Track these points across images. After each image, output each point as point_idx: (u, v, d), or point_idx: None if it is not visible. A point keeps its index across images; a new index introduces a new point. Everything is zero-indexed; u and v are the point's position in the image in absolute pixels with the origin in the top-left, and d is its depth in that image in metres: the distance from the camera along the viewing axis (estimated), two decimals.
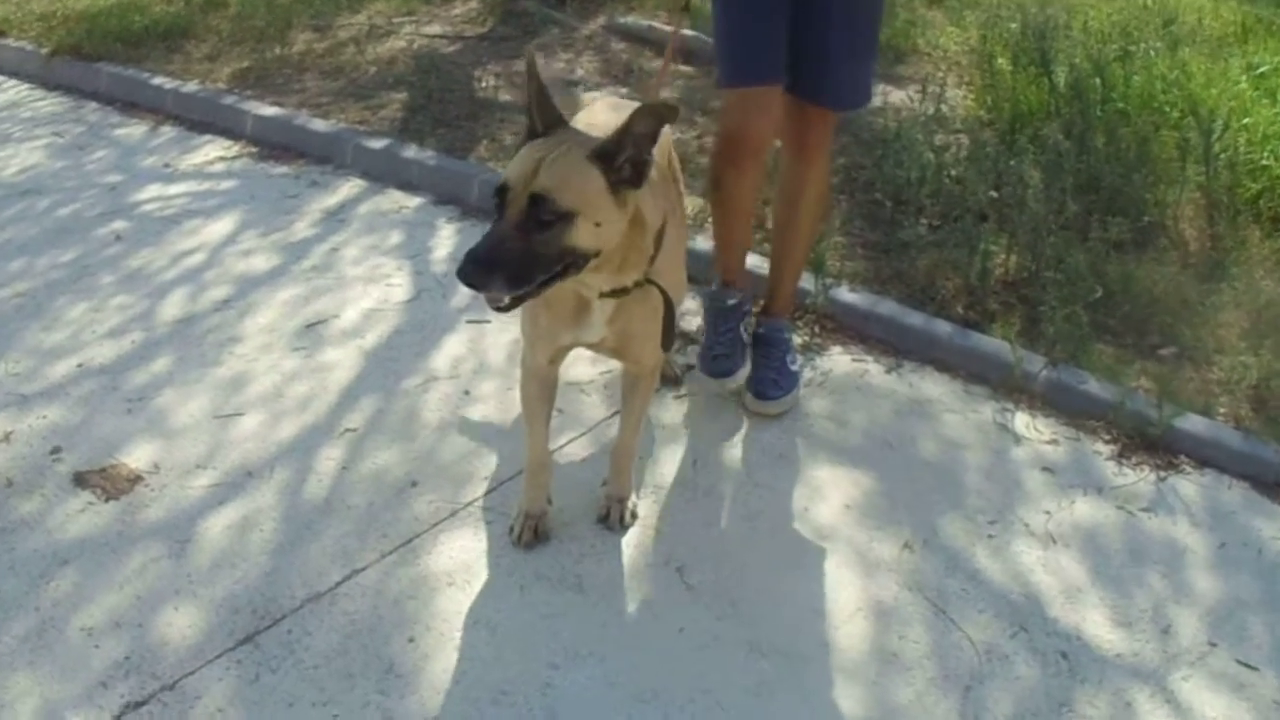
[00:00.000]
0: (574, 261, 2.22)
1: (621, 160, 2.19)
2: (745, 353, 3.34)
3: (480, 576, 2.73)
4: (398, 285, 3.90)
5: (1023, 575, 2.90)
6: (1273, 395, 3.66)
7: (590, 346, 2.69)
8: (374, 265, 4.03)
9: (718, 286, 3.42)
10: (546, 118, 2.32)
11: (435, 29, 5.83)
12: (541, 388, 2.76)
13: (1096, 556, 2.99)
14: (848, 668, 2.59)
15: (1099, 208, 4.36)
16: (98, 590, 2.65)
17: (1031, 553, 2.98)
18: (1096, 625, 2.77)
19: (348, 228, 4.25)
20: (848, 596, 2.79)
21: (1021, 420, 3.46)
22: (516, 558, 2.79)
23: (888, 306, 3.82)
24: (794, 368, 3.44)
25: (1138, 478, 3.31)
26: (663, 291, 2.50)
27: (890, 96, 5.38)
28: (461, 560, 2.78)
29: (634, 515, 2.94)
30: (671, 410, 3.37)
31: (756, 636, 2.64)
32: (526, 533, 2.82)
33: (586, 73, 5.39)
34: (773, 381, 3.37)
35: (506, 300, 2.21)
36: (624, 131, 2.17)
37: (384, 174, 4.57)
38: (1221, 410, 3.52)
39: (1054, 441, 3.41)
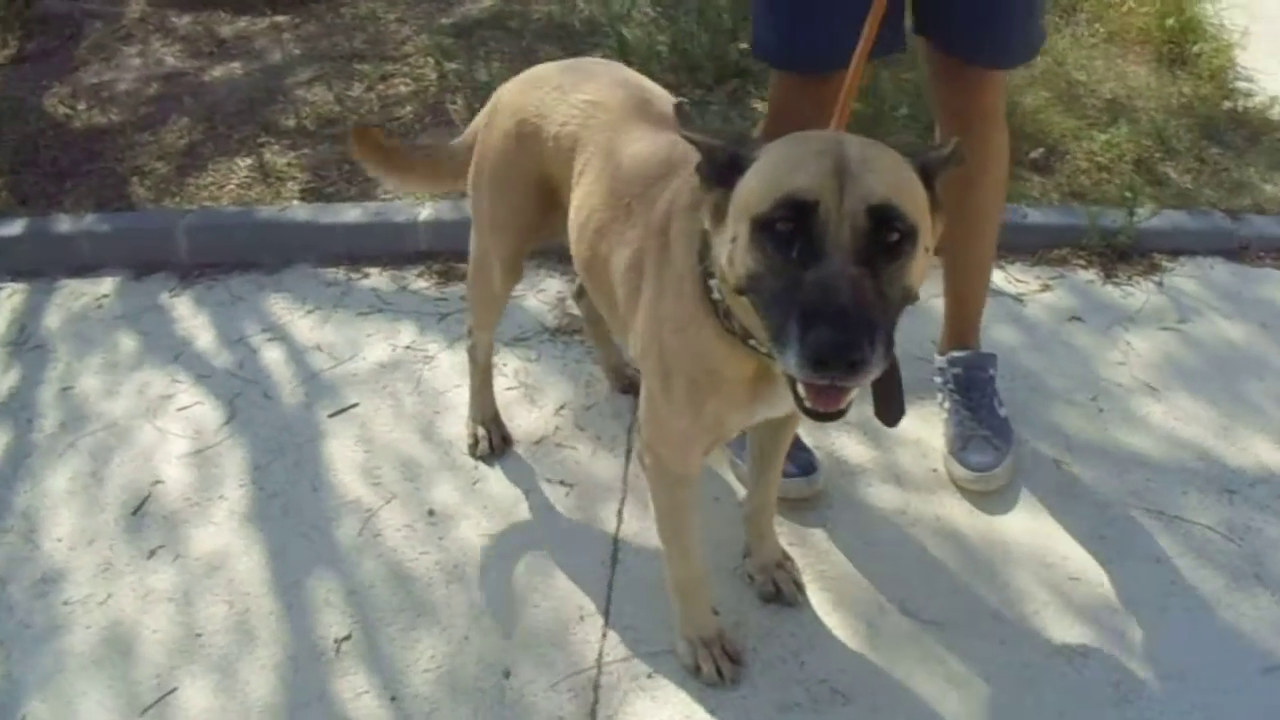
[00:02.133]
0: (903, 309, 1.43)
1: (937, 177, 1.51)
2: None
3: None
4: (195, 404, 2.64)
5: (1173, 436, 2.60)
6: (1156, 163, 3.54)
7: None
8: (136, 391, 2.70)
9: None
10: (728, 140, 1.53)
11: None
12: (692, 493, 1.92)
13: (1197, 386, 2.76)
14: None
15: None
16: None
17: (1154, 409, 2.67)
18: (1270, 450, 2.55)
19: (54, 354, 2.82)
20: (1128, 569, 2.25)
21: (999, 277, 3.02)
22: (727, 700, 1.96)
23: None
24: (1003, 413, 2.53)
25: (1144, 293, 3.09)
26: None
27: None
28: None
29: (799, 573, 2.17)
30: None
31: (1113, 670, 2.03)
32: (724, 663, 1.99)
33: (177, 61, 4.07)
34: (985, 441, 2.44)
35: (856, 392, 1.40)
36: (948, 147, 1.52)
37: (42, 264, 3.09)
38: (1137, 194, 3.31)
39: (1046, 287, 3.07)
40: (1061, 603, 2.15)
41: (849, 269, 1.32)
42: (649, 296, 1.70)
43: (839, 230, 1.33)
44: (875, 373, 1.32)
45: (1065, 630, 2.09)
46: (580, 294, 2.63)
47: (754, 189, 1.40)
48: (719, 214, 1.46)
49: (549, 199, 2.05)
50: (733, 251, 1.42)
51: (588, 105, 1.95)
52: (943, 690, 1.97)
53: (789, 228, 1.34)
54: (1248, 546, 2.30)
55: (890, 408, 1.68)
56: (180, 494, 2.36)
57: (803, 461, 2.37)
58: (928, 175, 1.47)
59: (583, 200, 1.89)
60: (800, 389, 1.39)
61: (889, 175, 1.39)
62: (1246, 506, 2.40)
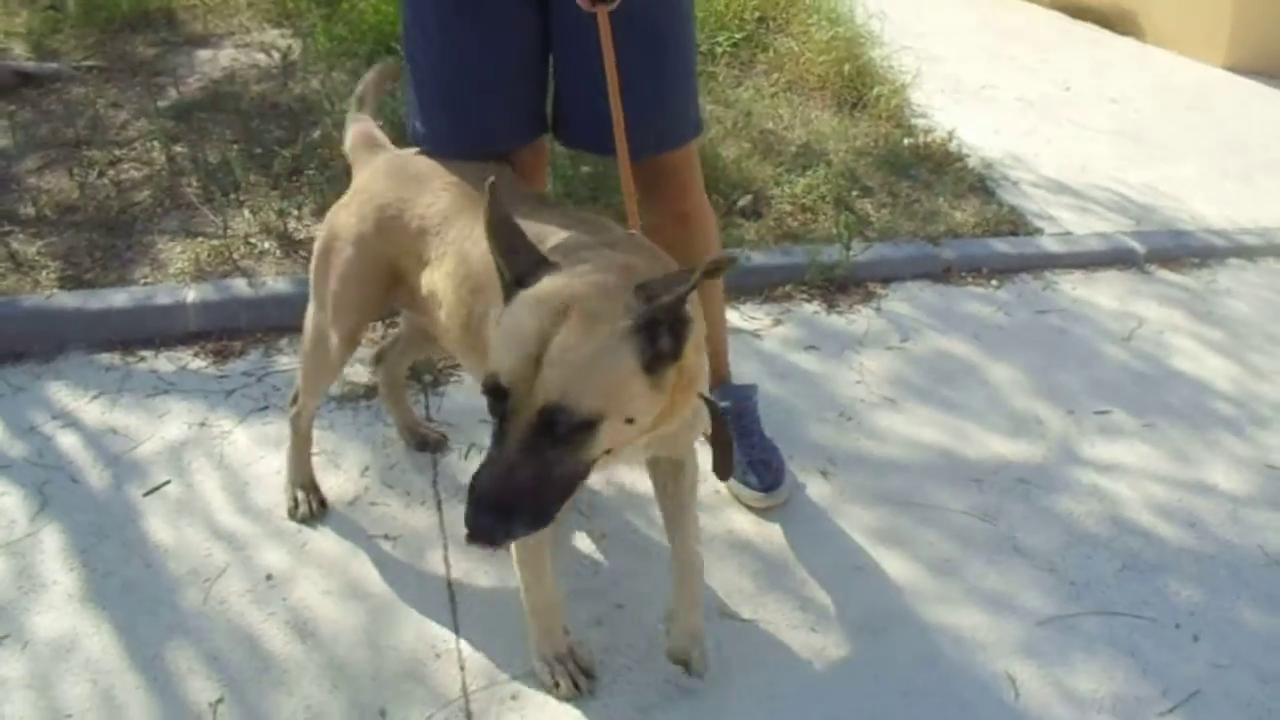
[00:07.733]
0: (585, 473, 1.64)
1: (663, 329, 1.59)
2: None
3: None
4: (2, 495, 2.55)
5: (917, 440, 3.00)
6: (854, 201, 4.01)
7: None
8: None
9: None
10: (521, 262, 1.66)
11: None
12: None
13: (928, 396, 3.19)
14: None
15: None
16: None
17: (895, 419, 3.06)
18: (1001, 442, 2.99)
19: None
20: (904, 556, 2.60)
21: (735, 316, 3.39)
22: (590, 708, 2.14)
23: None
24: (769, 435, 2.82)
25: (865, 319, 3.52)
26: (711, 403, 1.90)
27: (220, 60, 4.77)
28: None
29: None
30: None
31: (914, 640, 2.37)
32: (578, 677, 2.18)
33: None
34: (763, 464, 2.71)
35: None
36: (671, 292, 1.56)
37: None
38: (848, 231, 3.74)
39: (778, 322, 3.45)
40: (854, 590, 2.46)
41: (510, 457, 1.54)
42: None
43: (520, 419, 1.53)
44: (510, 540, 1.64)
45: (863, 612, 2.40)
46: (378, 360, 2.76)
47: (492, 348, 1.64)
48: None
49: (395, 282, 2.21)
50: None
51: (453, 186, 2.13)
52: (773, 675, 2.23)
53: (495, 405, 1.56)
54: (1002, 525, 2.69)
55: (724, 466, 1.99)
56: (11, 583, 2.32)
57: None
58: (648, 337, 1.57)
59: (455, 268, 2.03)
60: None
61: (576, 368, 1.53)
62: (993, 492, 2.79)
